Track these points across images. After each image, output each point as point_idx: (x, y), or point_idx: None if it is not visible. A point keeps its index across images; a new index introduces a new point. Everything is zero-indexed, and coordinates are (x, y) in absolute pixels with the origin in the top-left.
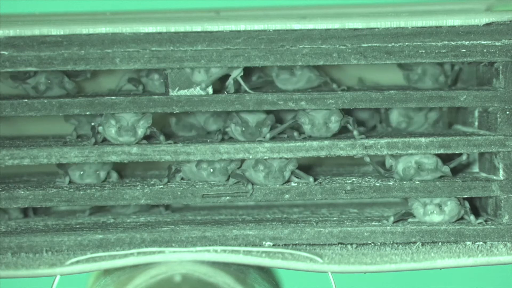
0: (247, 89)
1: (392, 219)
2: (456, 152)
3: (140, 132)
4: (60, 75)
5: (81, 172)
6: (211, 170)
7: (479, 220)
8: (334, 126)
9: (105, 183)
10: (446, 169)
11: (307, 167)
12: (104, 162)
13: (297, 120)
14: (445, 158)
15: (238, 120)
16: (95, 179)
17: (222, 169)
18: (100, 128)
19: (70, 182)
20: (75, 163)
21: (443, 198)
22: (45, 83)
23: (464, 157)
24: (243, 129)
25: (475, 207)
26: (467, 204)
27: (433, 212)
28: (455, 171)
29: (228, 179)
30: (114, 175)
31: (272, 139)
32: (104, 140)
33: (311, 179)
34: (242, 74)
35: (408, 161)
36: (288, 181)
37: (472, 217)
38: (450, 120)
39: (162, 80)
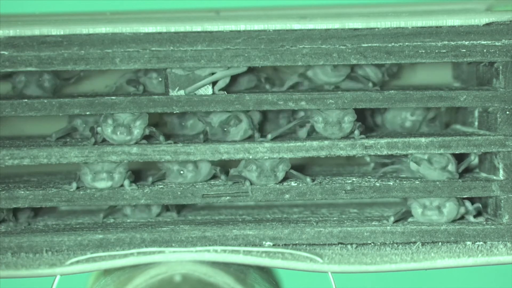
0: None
1: (392, 219)
2: (456, 152)
3: (137, 132)
4: (37, 74)
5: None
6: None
7: (480, 219)
8: (347, 126)
9: None
10: (456, 175)
11: (306, 166)
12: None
13: (310, 118)
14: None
15: (205, 121)
16: (109, 181)
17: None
18: (99, 129)
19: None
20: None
21: (442, 200)
22: (24, 82)
23: (472, 158)
24: (208, 129)
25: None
26: (468, 204)
27: (433, 214)
28: (464, 172)
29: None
30: (126, 183)
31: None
32: (104, 140)
33: (308, 179)
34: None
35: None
36: (283, 180)
37: (472, 217)
38: (448, 120)
39: (160, 79)
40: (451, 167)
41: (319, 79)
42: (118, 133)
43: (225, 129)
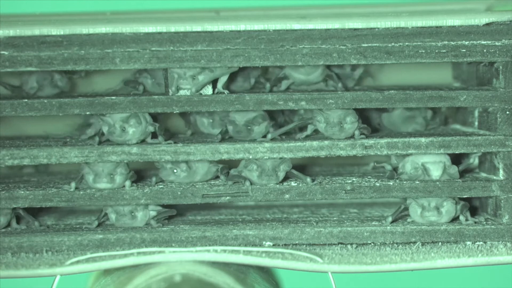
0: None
1: (390, 219)
2: (456, 152)
3: (131, 131)
4: (49, 75)
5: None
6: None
7: (469, 221)
8: (349, 127)
9: None
10: (455, 174)
11: (305, 167)
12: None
13: (312, 119)
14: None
15: (227, 120)
16: (109, 183)
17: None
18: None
19: (77, 188)
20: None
21: (439, 200)
22: (36, 87)
23: (471, 160)
24: (232, 128)
25: (475, 207)
26: (463, 206)
27: (431, 215)
28: (462, 172)
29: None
30: (127, 183)
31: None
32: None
33: (308, 179)
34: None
35: (415, 163)
36: (283, 180)
37: (462, 217)
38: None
39: (153, 80)
40: (447, 164)
41: (295, 77)
42: (115, 135)
43: (249, 127)
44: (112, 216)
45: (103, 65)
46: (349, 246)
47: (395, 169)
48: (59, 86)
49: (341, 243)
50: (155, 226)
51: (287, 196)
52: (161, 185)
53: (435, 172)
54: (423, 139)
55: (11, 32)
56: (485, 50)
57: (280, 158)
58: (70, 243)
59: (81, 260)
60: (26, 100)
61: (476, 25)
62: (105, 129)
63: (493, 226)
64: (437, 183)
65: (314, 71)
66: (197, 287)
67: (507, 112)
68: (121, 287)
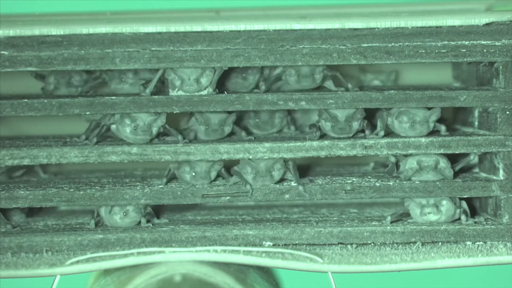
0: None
1: (389, 218)
2: (456, 152)
3: (154, 130)
4: (67, 74)
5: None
6: (193, 174)
7: (469, 222)
8: (355, 124)
9: (105, 182)
10: (449, 173)
11: (306, 167)
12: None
13: (319, 118)
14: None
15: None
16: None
17: (203, 172)
18: (113, 127)
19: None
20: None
21: (437, 198)
22: (53, 83)
23: (471, 157)
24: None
25: (475, 207)
26: (464, 205)
27: (430, 212)
28: (461, 171)
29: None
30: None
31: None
32: (106, 139)
33: (300, 187)
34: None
35: (412, 163)
36: (283, 181)
37: (463, 217)
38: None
39: (131, 81)
40: (442, 164)
41: (290, 85)
42: (141, 134)
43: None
44: (127, 130)
45: (103, 65)
46: (349, 246)
47: (397, 164)
48: (75, 85)
49: (341, 243)
50: (144, 226)
51: (287, 196)
52: (160, 185)
53: (426, 163)
54: (423, 139)
55: (11, 32)
56: (485, 50)
57: (274, 158)
58: (70, 243)
59: (81, 260)
60: (26, 100)
61: (476, 25)
62: (128, 128)
63: (493, 226)
64: (437, 183)
65: (308, 81)
66: (197, 287)
67: (507, 112)
68: (121, 287)
